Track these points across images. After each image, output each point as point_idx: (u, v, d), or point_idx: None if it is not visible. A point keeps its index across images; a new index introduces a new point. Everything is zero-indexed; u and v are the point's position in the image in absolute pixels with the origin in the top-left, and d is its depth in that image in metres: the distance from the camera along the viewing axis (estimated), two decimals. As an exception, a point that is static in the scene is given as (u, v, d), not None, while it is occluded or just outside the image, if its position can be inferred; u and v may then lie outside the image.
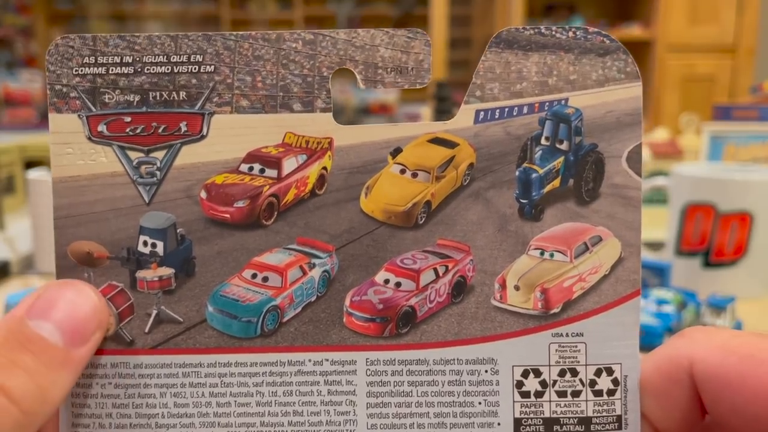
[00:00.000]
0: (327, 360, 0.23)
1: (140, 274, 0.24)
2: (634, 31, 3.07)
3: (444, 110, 1.35)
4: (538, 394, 0.23)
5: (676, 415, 0.22)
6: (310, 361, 0.23)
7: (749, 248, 0.71)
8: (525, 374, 0.23)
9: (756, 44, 2.78)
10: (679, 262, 0.73)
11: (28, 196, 0.69)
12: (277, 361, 0.23)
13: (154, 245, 0.24)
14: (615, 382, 0.23)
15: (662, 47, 2.97)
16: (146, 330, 0.23)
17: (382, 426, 0.23)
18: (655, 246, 0.84)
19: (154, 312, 0.23)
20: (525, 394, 0.23)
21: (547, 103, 0.23)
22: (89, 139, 0.23)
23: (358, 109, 2.76)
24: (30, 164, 1.11)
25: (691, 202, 0.72)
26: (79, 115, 0.23)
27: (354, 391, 0.23)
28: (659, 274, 0.67)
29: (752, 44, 2.80)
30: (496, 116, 0.24)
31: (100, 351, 0.23)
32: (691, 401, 0.22)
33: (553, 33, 0.24)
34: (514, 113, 0.24)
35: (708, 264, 0.72)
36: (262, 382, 0.23)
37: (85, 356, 0.21)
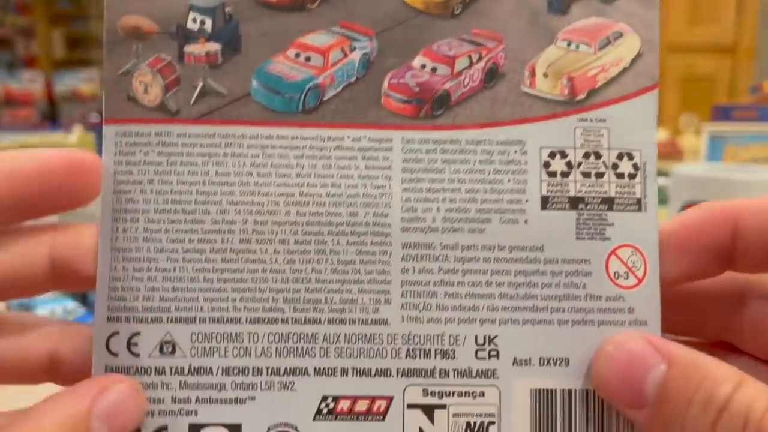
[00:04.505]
0: (365, 137, 0.24)
1: (188, 48, 0.24)
2: (633, 31, 3.05)
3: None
4: (564, 174, 0.24)
5: (696, 264, 0.23)
6: (348, 137, 0.24)
7: (750, 248, 0.71)
8: (552, 155, 0.25)
9: (756, 44, 2.64)
10: (680, 261, 0.73)
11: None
12: (317, 136, 0.24)
13: (203, 22, 0.24)
14: (635, 167, 0.24)
15: (662, 47, 2.93)
16: (191, 101, 0.24)
17: (416, 199, 0.24)
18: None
19: (200, 84, 0.24)
20: (552, 174, 0.24)
21: None
22: None
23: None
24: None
25: (691, 202, 0.72)
26: None
27: (390, 166, 0.24)
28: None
29: (752, 44, 2.66)
30: None
31: (145, 120, 0.24)
32: (719, 251, 0.23)
33: None
34: None
35: (708, 263, 0.72)
36: (303, 155, 0.24)
37: None
